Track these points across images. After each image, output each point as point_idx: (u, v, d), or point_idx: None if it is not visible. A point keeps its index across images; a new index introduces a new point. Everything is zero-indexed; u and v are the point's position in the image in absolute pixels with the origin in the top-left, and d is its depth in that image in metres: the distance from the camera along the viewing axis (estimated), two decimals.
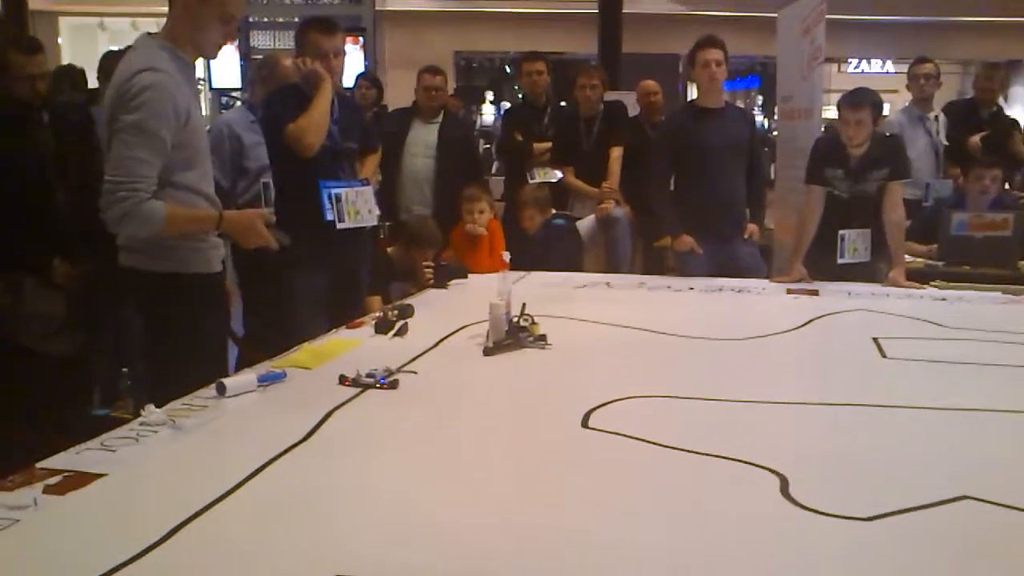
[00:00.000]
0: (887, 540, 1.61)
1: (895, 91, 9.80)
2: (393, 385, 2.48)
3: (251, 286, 4.00)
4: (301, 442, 2.05)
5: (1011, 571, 1.52)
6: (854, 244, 4.22)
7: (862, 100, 4.10)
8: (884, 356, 2.96)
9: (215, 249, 2.85)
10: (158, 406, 2.17)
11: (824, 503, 1.73)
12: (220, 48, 2.83)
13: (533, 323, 2.99)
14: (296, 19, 10.61)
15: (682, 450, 2.03)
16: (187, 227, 2.74)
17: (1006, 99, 6.32)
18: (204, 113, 4.31)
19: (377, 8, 11.75)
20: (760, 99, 13.82)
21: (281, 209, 3.73)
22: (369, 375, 2.50)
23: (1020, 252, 4.67)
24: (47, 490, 1.73)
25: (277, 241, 2.90)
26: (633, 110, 6.05)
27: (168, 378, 2.63)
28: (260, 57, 6.74)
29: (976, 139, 5.75)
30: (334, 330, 3.20)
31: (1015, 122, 6.21)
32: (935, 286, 4.20)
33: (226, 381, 2.39)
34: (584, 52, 9.41)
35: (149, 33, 2.77)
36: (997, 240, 4.60)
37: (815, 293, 4.02)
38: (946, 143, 5.81)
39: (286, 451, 1.99)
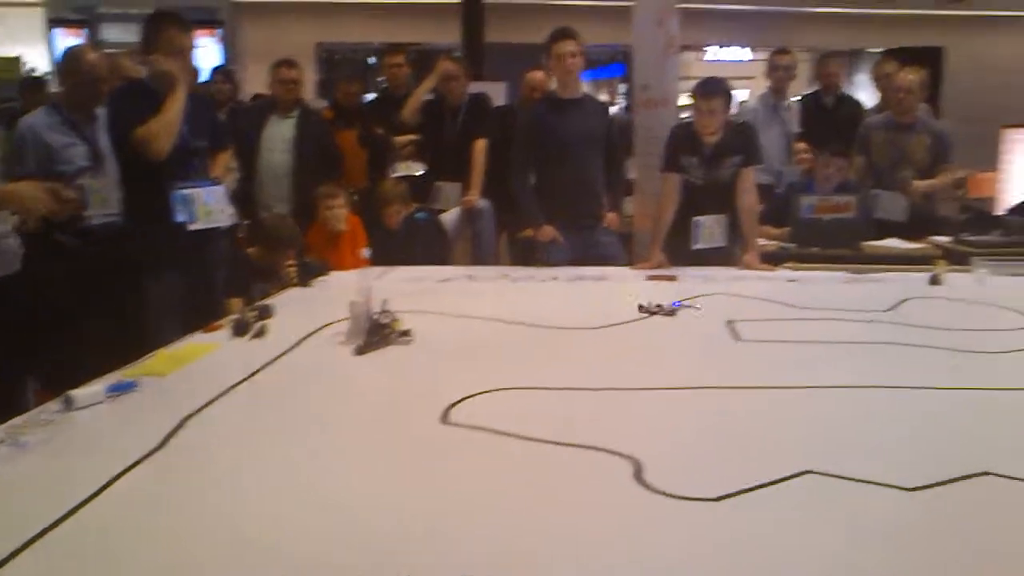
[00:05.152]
0: (733, 518, 1.66)
1: (752, 78, 10.12)
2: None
3: (100, 292, 3.83)
4: (154, 452, 1.99)
5: (852, 539, 1.58)
6: (710, 230, 4.35)
7: (714, 90, 4.22)
8: (738, 339, 3.06)
9: None
10: None
11: (675, 486, 1.78)
12: None
13: (395, 319, 2.97)
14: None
15: (539, 441, 2.05)
16: None
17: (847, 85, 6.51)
18: None
19: None
20: (624, 87, 14.04)
21: (130, 211, 3.62)
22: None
23: (864, 233, 4.90)
24: None
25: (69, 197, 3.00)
26: (498, 101, 6.04)
27: None
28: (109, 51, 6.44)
29: None
30: (190, 335, 3.12)
31: (858, 104, 6.47)
32: (787, 268, 4.37)
33: (72, 393, 2.30)
34: (448, 42, 9.39)
35: None
36: (842, 222, 4.82)
37: (674, 279, 4.11)
38: (798, 131, 6.03)
39: (137, 462, 1.92)
